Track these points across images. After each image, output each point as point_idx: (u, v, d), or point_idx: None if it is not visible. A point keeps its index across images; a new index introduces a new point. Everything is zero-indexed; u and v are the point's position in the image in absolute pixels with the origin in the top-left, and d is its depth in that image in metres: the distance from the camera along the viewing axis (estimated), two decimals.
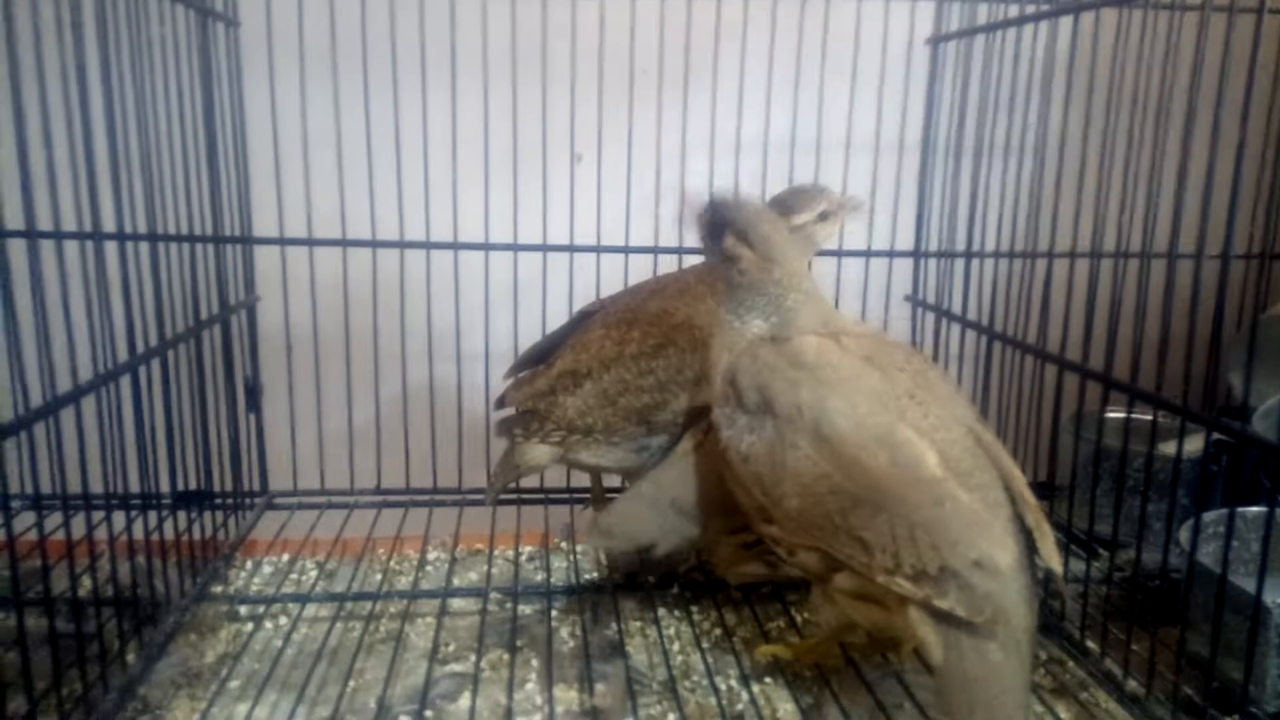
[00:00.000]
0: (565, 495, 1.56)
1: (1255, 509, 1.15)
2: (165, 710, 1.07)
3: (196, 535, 1.29)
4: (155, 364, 1.12)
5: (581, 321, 1.32)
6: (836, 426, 0.91)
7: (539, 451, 1.27)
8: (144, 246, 1.11)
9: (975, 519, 0.87)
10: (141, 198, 1.11)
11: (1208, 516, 1.14)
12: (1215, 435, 0.99)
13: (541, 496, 1.55)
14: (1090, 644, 1.17)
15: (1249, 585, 0.95)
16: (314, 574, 1.43)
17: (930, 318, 1.56)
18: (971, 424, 0.95)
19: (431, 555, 1.51)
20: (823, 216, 1.19)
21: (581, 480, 1.55)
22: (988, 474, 0.91)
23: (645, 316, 1.22)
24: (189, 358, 1.25)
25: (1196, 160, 0.96)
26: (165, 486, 1.18)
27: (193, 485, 1.30)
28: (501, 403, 1.33)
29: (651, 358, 1.20)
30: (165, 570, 1.17)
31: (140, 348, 1.08)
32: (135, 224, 1.08)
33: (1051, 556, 0.89)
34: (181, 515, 1.24)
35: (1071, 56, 1.13)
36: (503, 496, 1.52)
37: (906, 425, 0.90)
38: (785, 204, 1.19)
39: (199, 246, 1.29)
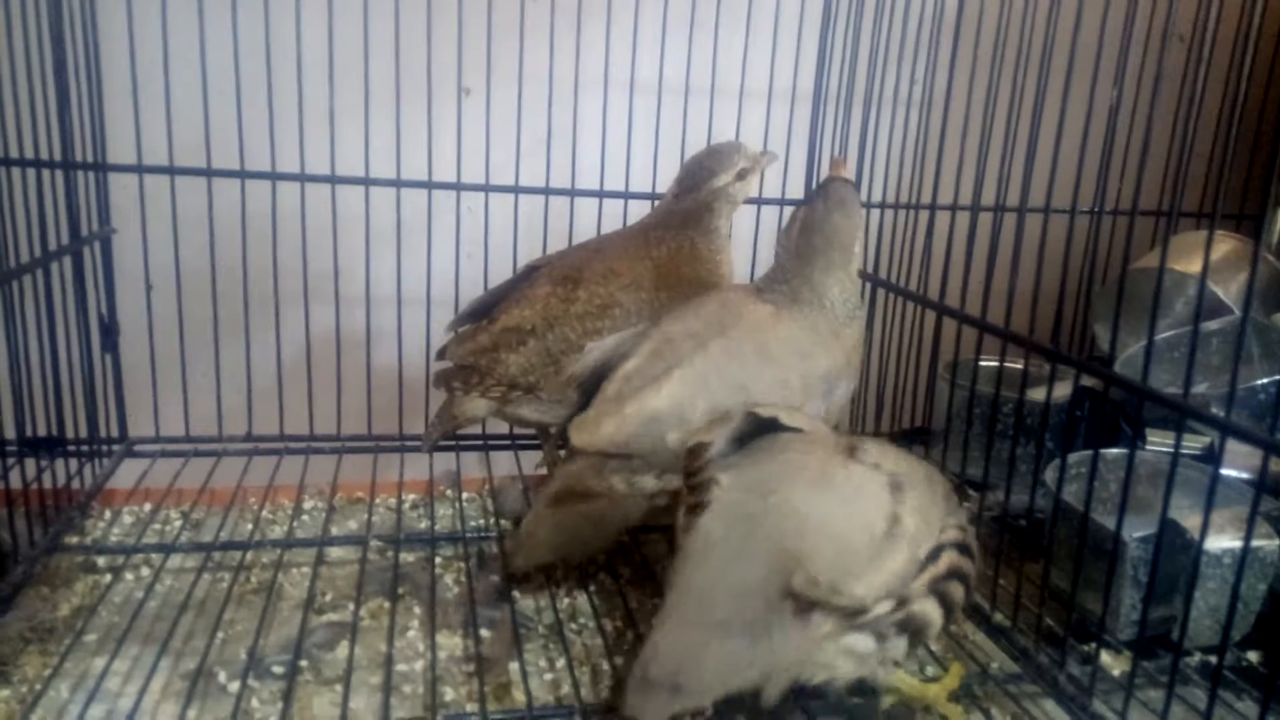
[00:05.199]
0: (451, 443, 1.52)
1: (1116, 450, 1.21)
2: (13, 665, 1.00)
3: (48, 484, 1.20)
4: None
5: (528, 275, 1.30)
6: None
7: (478, 405, 1.27)
8: None
9: None
10: None
11: (1072, 458, 1.19)
12: (1081, 382, 1.03)
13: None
14: None
15: (1109, 522, 1.01)
16: (178, 524, 1.35)
17: None
18: None
19: (308, 504, 1.45)
20: (741, 175, 1.23)
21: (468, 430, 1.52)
22: None
23: (592, 276, 1.22)
24: (35, 292, 1.16)
25: (1073, 117, 0.99)
26: (11, 432, 1.10)
27: (43, 431, 1.21)
28: (442, 355, 1.30)
29: (598, 318, 1.21)
30: (12, 520, 1.09)
31: None
32: None
33: None
34: (30, 463, 1.16)
35: (960, 11, 1.15)
36: (385, 445, 1.48)
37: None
38: (705, 167, 1.24)
39: (46, 172, 1.18)
